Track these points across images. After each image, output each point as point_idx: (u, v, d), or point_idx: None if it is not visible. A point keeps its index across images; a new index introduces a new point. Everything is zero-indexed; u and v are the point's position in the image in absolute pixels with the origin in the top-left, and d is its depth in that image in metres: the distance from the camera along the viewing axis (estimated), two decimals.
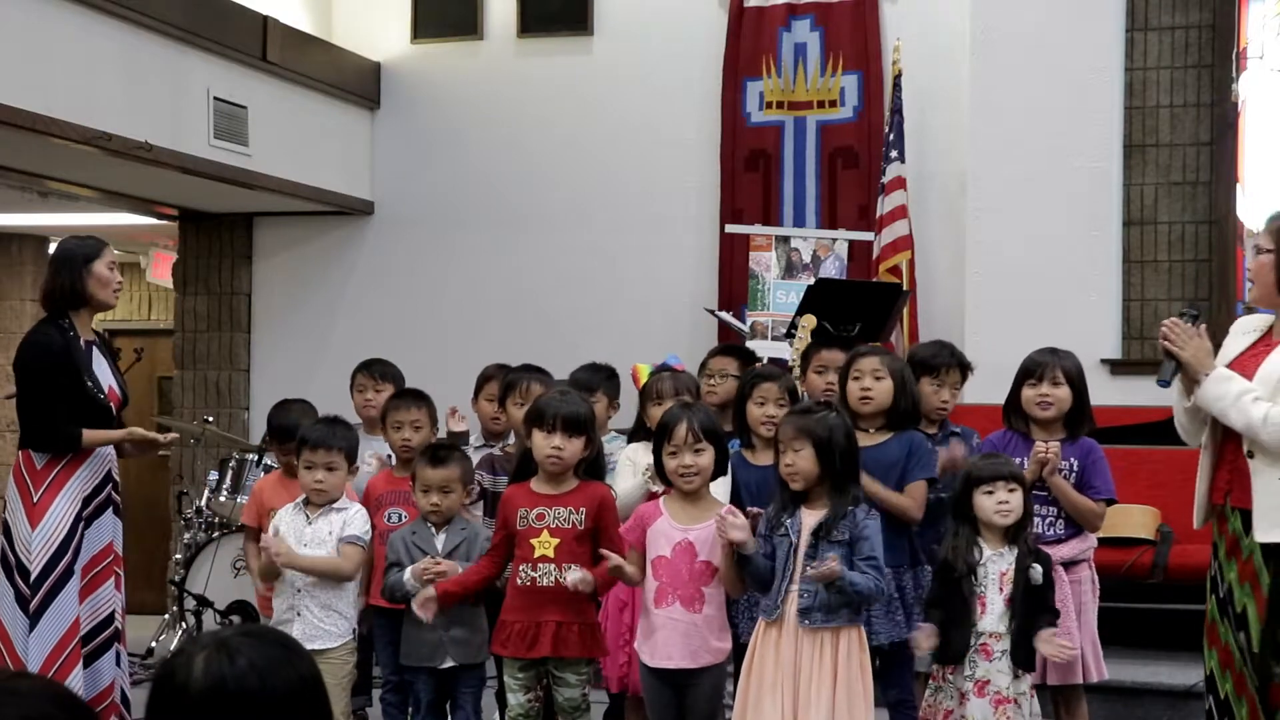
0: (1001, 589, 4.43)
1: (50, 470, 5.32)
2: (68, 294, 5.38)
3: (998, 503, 4.45)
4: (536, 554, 4.62)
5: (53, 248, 5.66)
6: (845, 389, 4.99)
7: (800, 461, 4.31)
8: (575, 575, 4.52)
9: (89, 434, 5.34)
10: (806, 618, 4.23)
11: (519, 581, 4.65)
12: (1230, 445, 4.41)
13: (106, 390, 5.46)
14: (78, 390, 5.34)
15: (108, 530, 5.49)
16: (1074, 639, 4.83)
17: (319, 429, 5.15)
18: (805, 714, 4.21)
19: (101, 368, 5.48)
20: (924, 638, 4.50)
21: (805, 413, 4.44)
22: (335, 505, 5.06)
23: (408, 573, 4.82)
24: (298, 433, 5.33)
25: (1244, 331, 4.55)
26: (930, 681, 4.58)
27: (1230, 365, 4.42)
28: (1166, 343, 4.39)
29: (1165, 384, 4.43)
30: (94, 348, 5.49)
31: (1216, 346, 4.52)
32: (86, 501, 5.40)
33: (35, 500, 5.29)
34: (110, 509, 5.50)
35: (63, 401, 5.32)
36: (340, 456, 5.03)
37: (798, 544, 4.27)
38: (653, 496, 4.82)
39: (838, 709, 4.20)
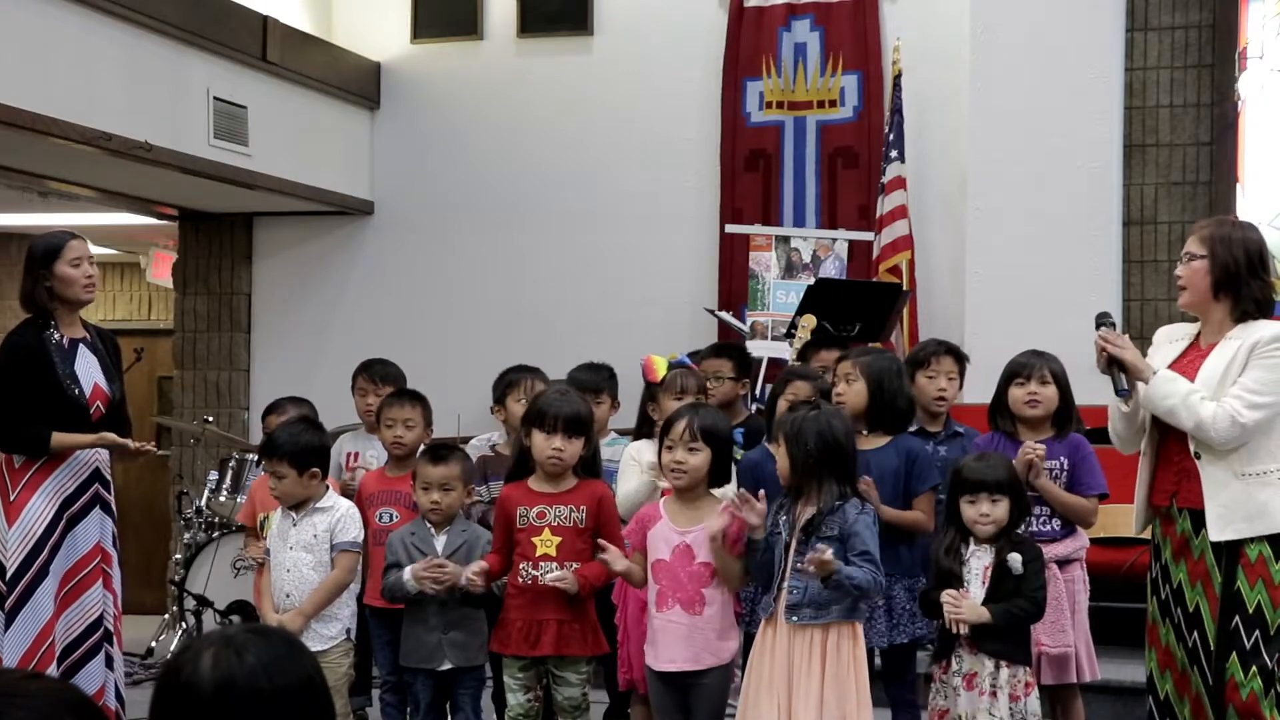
0: (984, 583, 4.44)
1: (27, 469, 5.21)
2: (31, 298, 5.27)
3: (979, 514, 4.46)
4: (539, 552, 4.63)
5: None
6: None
7: (779, 459, 4.35)
8: (553, 574, 4.56)
9: (59, 437, 5.20)
10: (794, 614, 4.24)
11: (520, 580, 4.66)
12: (1173, 447, 4.43)
13: (92, 388, 5.31)
14: (52, 390, 5.21)
15: (95, 530, 5.35)
16: (1068, 636, 4.86)
17: (271, 435, 5.18)
18: (797, 711, 4.21)
19: (87, 365, 5.34)
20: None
21: (790, 411, 4.47)
22: (320, 505, 4.99)
23: (407, 573, 4.82)
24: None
25: (1170, 340, 4.59)
26: (932, 683, 4.58)
27: (1169, 368, 4.45)
28: (1112, 349, 4.40)
29: (1125, 393, 4.43)
30: (81, 345, 5.35)
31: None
32: (69, 501, 5.27)
33: (12, 499, 5.18)
34: (98, 507, 5.36)
35: (32, 403, 5.19)
36: (283, 464, 4.93)
37: (790, 541, 4.28)
38: (665, 493, 4.83)
39: (827, 705, 4.19)
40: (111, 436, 5.33)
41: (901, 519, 4.81)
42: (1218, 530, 4.29)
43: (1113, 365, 4.43)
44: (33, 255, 5.28)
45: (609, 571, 4.62)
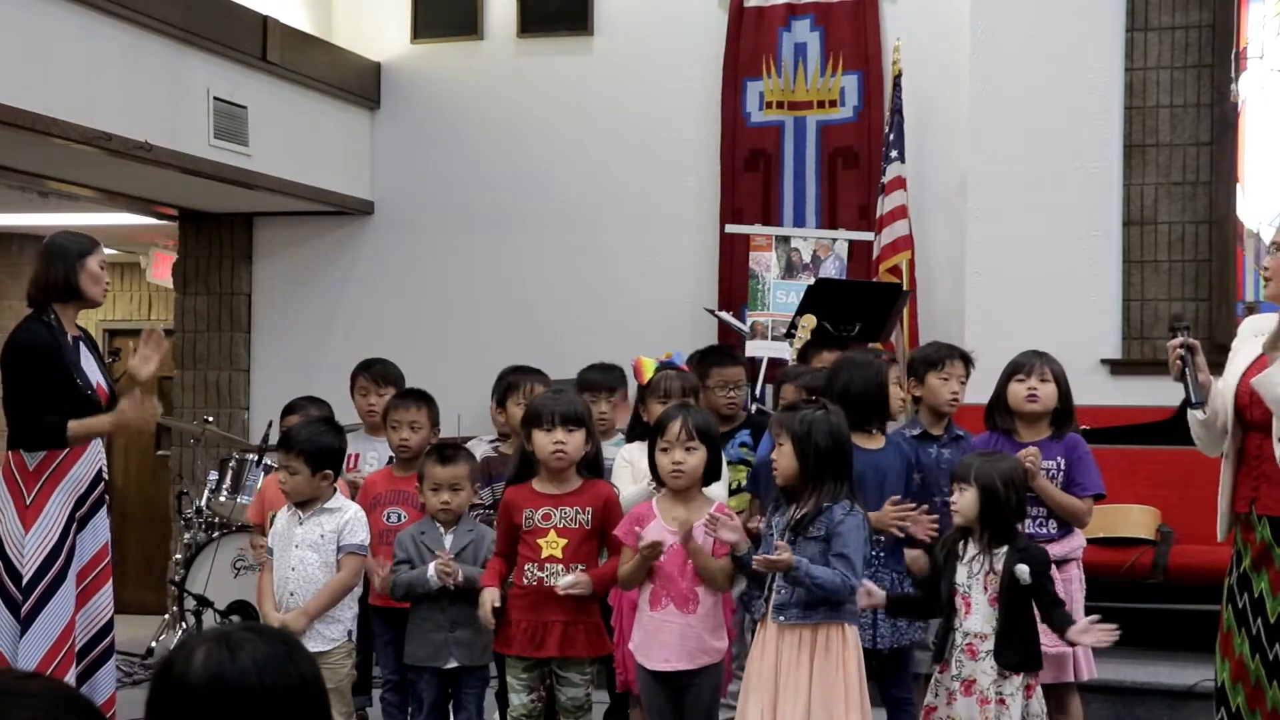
0: (986, 588, 4.41)
1: (43, 471, 5.19)
2: (60, 286, 5.27)
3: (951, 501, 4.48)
4: (544, 554, 4.62)
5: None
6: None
7: (781, 458, 4.33)
8: (566, 580, 4.54)
9: (75, 424, 5.19)
10: (781, 614, 4.24)
11: (525, 581, 4.66)
12: (1251, 451, 4.33)
13: (95, 387, 5.35)
14: (68, 387, 5.22)
15: (103, 530, 5.36)
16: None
17: (291, 430, 5.18)
18: (783, 711, 4.20)
19: (89, 364, 5.37)
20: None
21: (792, 409, 4.45)
22: (327, 505, 4.99)
23: (431, 568, 4.81)
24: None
25: (1256, 333, 4.45)
26: (931, 681, 4.58)
27: (1250, 366, 4.34)
28: (1181, 359, 4.31)
29: (1199, 404, 4.32)
30: (80, 343, 5.38)
31: (1215, 346, 4.46)
32: (80, 501, 5.27)
33: (28, 502, 5.15)
34: (104, 507, 5.38)
35: (51, 399, 5.18)
36: (298, 460, 4.94)
37: (780, 541, 4.27)
38: None
39: (814, 706, 4.18)
40: (128, 412, 5.31)
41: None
42: None
43: (1185, 374, 4.32)
44: (64, 247, 5.31)
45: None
